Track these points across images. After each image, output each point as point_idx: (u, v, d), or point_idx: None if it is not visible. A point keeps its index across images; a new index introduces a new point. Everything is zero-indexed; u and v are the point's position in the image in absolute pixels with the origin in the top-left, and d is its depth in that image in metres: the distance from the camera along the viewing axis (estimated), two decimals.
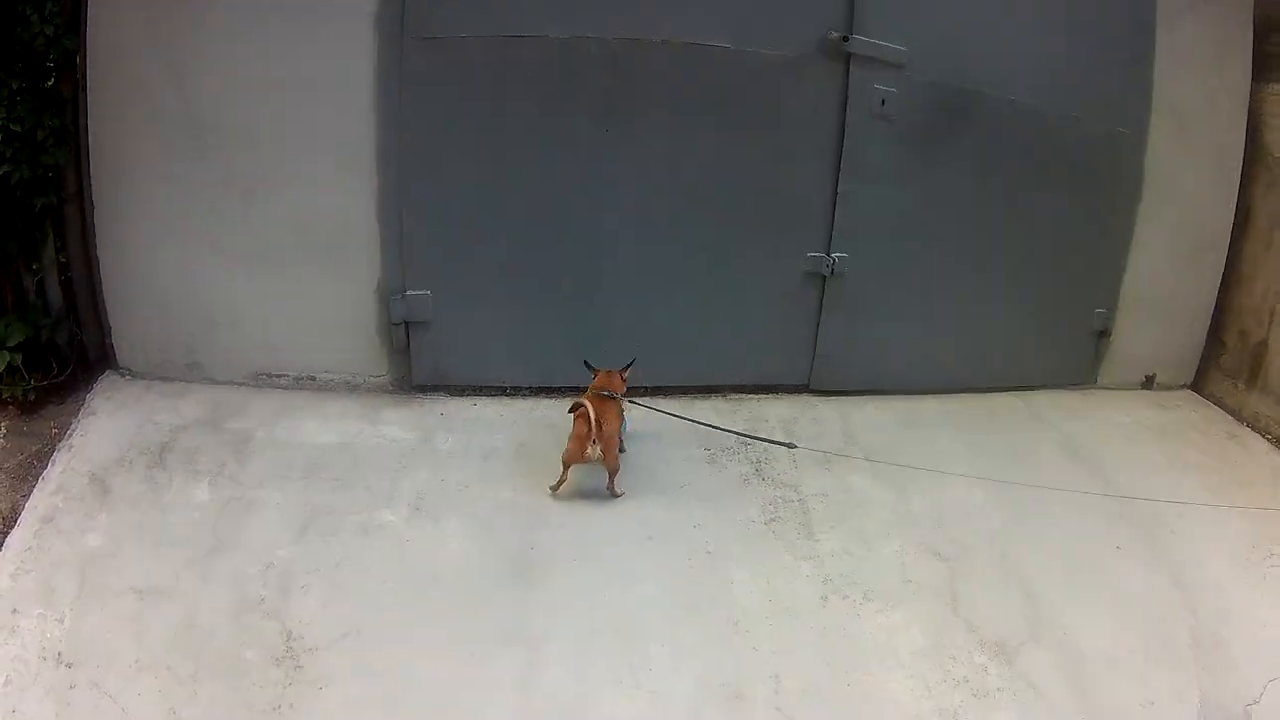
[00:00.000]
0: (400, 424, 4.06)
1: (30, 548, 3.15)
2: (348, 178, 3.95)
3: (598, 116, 4.05)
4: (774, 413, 4.45)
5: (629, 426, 3.94)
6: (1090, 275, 4.84)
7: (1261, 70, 4.71)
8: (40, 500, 3.35)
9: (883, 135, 4.27)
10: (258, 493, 3.51)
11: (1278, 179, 4.72)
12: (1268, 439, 4.65)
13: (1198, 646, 3.27)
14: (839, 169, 4.28)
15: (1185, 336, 5.07)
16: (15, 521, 3.25)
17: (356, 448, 3.86)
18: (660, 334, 4.35)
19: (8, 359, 3.74)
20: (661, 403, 4.20)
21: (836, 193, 4.32)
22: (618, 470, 3.71)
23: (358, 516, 3.47)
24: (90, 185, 3.87)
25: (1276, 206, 4.73)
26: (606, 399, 3.73)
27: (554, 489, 3.70)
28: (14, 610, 2.92)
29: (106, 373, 4.10)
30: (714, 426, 4.10)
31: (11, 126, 3.59)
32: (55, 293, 3.98)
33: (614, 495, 3.73)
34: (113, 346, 4.08)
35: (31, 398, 3.79)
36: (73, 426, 3.75)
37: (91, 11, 3.68)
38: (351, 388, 4.23)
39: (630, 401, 3.94)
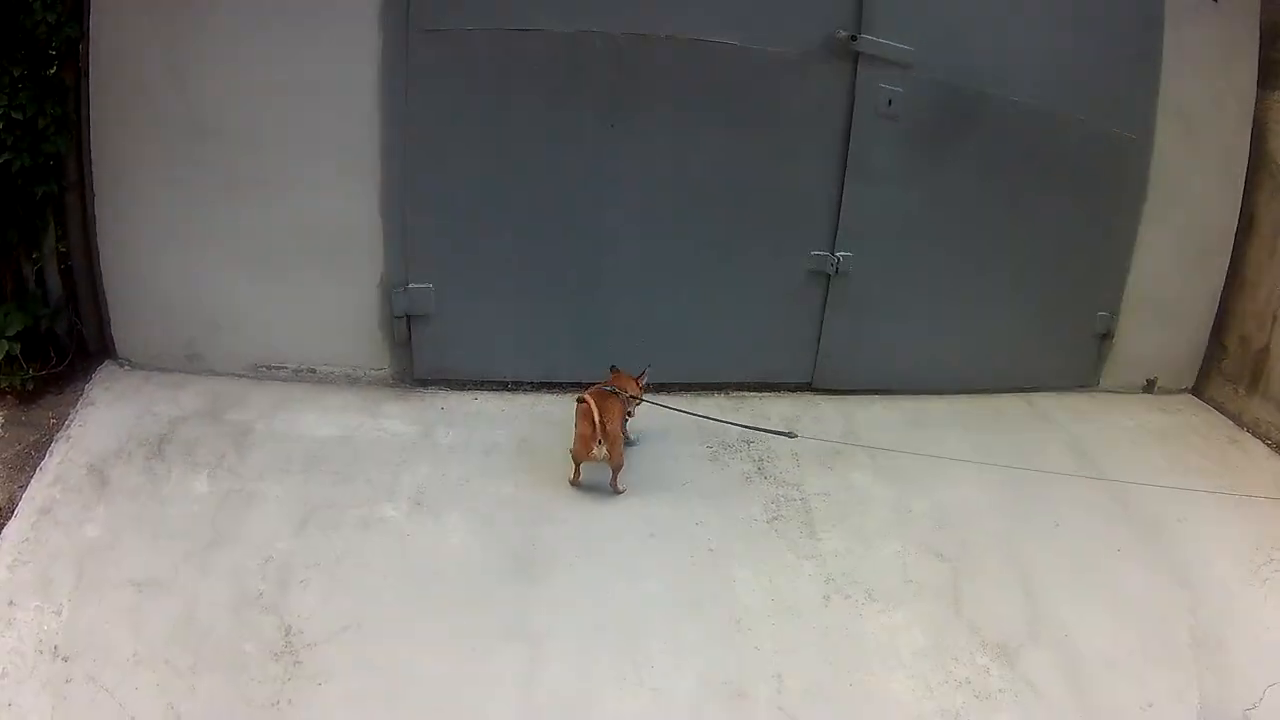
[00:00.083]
0: (401, 418, 4.03)
1: (28, 539, 3.11)
2: (351, 171, 3.92)
3: (603, 111, 4.02)
4: (776, 411, 4.43)
5: (634, 439, 3.96)
6: (1094, 277, 4.84)
7: (1267, 76, 4.72)
8: (38, 491, 3.32)
9: (889, 135, 4.26)
10: (257, 485, 3.48)
11: None
12: (1268, 444, 4.66)
13: (1198, 649, 3.28)
14: (844, 168, 4.27)
15: (1187, 340, 5.07)
16: (12, 512, 3.22)
17: (357, 441, 3.83)
18: (664, 330, 4.34)
19: (6, 348, 3.72)
20: (664, 399, 4.18)
21: (841, 192, 4.31)
22: (621, 467, 3.70)
23: (358, 510, 3.44)
24: (91, 174, 3.84)
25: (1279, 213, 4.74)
26: (609, 395, 3.72)
27: (574, 480, 3.72)
28: (10, 602, 2.89)
29: (105, 363, 4.06)
30: (717, 419, 4.08)
31: (13, 114, 3.55)
32: (55, 282, 3.96)
33: (616, 492, 3.72)
34: (112, 337, 4.05)
35: (30, 387, 3.76)
36: (71, 417, 3.72)
37: (95, 6, 3.65)
38: (352, 381, 4.20)
39: (639, 399, 3.93)
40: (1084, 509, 3.96)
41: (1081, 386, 5.03)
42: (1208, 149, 4.74)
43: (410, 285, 4.07)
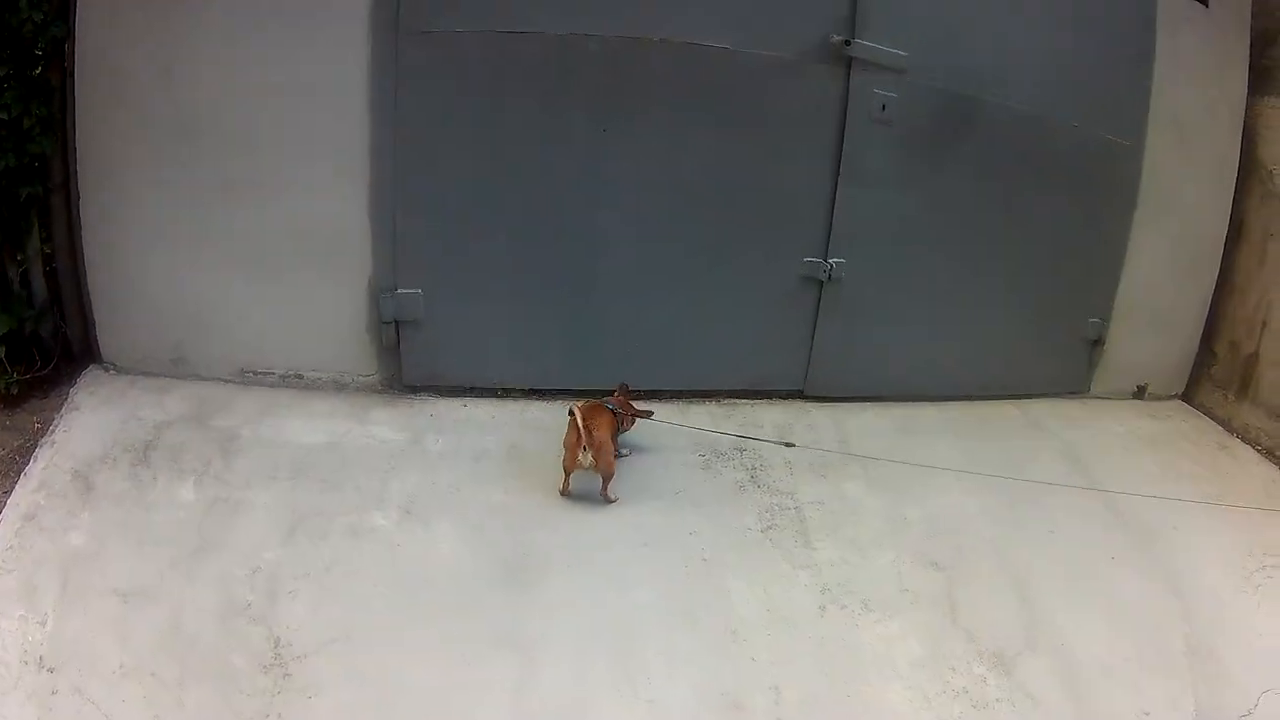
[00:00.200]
0: (389, 424, 3.98)
1: (12, 546, 3.05)
2: (339, 174, 3.87)
3: (595, 115, 3.99)
4: (769, 418, 4.41)
5: (625, 451, 3.92)
6: (1086, 284, 4.86)
7: (1258, 83, 4.76)
8: (22, 497, 3.25)
9: (882, 140, 4.25)
10: (244, 493, 3.42)
11: (1272, 192, 4.75)
12: (1258, 450, 4.69)
13: (1193, 656, 3.27)
14: (838, 173, 4.25)
15: (1177, 347, 5.11)
16: None
17: (345, 448, 3.77)
18: (655, 337, 4.31)
19: None
20: (656, 407, 4.14)
21: (835, 197, 4.29)
22: (611, 476, 3.66)
23: (347, 518, 3.38)
24: (76, 176, 3.78)
25: (1270, 219, 4.77)
26: (598, 407, 3.70)
27: (564, 490, 3.68)
28: None
29: (90, 367, 3.99)
30: (716, 431, 4.08)
31: None
32: (40, 285, 3.89)
33: (607, 501, 3.67)
34: (97, 340, 3.98)
35: (14, 391, 3.70)
36: (56, 422, 3.65)
37: (81, 7, 3.60)
38: (340, 386, 4.14)
39: (634, 420, 3.93)
40: (1077, 516, 3.96)
41: (1073, 393, 5.05)
42: (1199, 155, 4.78)
43: (399, 290, 4.02)
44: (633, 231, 4.18)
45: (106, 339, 3.98)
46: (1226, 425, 4.91)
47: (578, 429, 3.53)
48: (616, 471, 3.68)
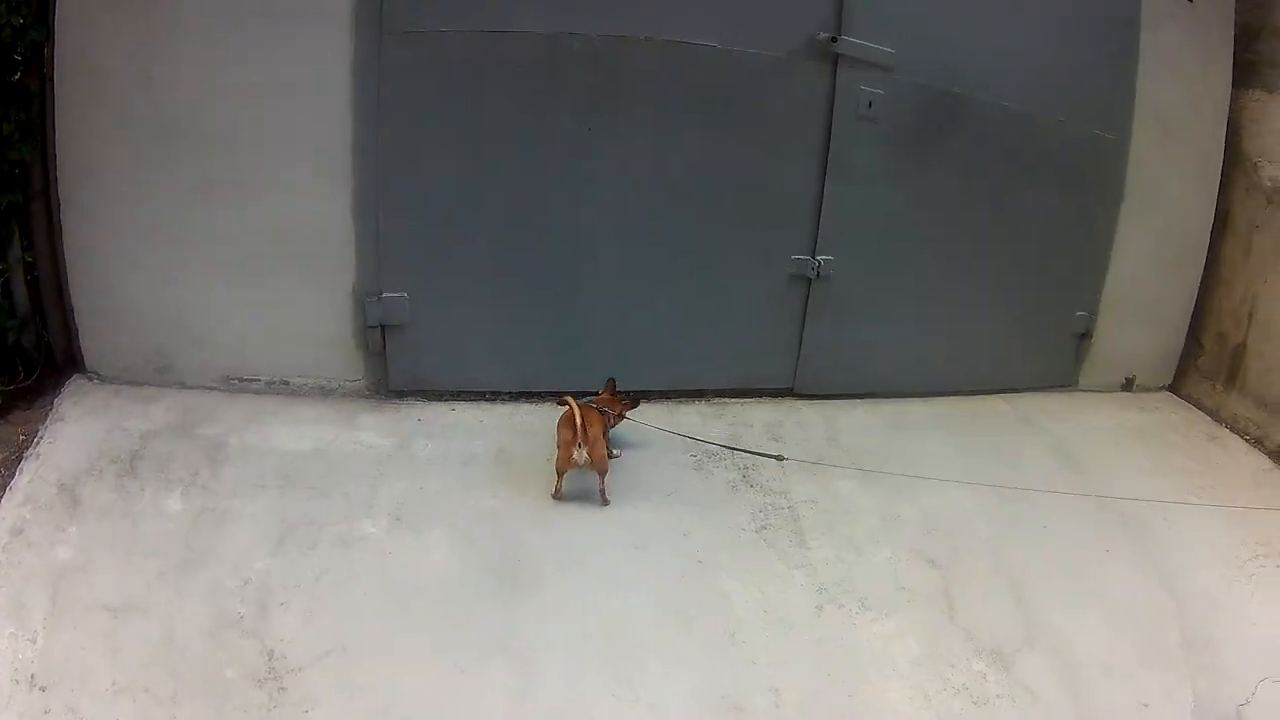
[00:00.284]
0: (376, 430, 3.93)
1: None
2: (322, 178, 3.82)
3: (580, 114, 3.95)
4: (758, 417, 4.40)
5: (617, 452, 3.88)
6: (1073, 278, 4.87)
7: (1241, 77, 4.78)
8: (9, 511, 3.19)
9: (869, 137, 4.23)
10: (232, 503, 3.36)
11: (1256, 184, 4.77)
12: (1246, 440, 4.71)
13: (1189, 648, 3.28)
14: (825, 171, 4.23)
15: (1164, 339, 5.12)
16: None
17: (332, 455, 3.72)
18: (644, 337, 4.28)
19: None
20: (645, 409, 4.13)
21: (822, 195, 4.27)
22: (606, 472, 3.64)
23: (336, 527, 3.33)
24: (57, 182, 3.71)
25: (1255, 211, 4.79)
26: (587, 406, 3.67)
27: (556, 493, 3.65)
28: None
29: (74, 376, 3.92)
30: (706, 441, 4.05)
31: None
32: (21, 294, 3.79)
33: (604, 502, 3.65)
34: (80, 349, 3.91)
35: None
36: (41, 433, 3.58)
37: (60, 8, 3.53)
38: (325, 392, 4.09)
39: (623, 417, 3.91)
40: (1070, 511, 3.95)
41: (1061, 386, 5.05)
42: (1184, 149, 4.79)
43: (384, 294, 3.97)
44: (619, 231, 4.15)
45: (90, 347, 3.91)
46: (1214, 415, 4.94)
47: (574, 424, 3.51)
48: (609, 470, 3.65)
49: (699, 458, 4.02)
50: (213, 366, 3.99)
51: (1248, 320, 4.80)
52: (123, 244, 3.79)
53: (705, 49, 3.95)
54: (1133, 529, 3.88)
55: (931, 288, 4.61)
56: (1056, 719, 2.97)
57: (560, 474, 3.61)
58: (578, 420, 3.51)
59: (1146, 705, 3.04)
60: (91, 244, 3.79)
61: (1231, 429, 4.80)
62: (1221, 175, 4.89)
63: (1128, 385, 5.15)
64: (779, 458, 4.00)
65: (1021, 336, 4.88)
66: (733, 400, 4.51)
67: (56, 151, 3.68)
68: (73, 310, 3.87)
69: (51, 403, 3.77)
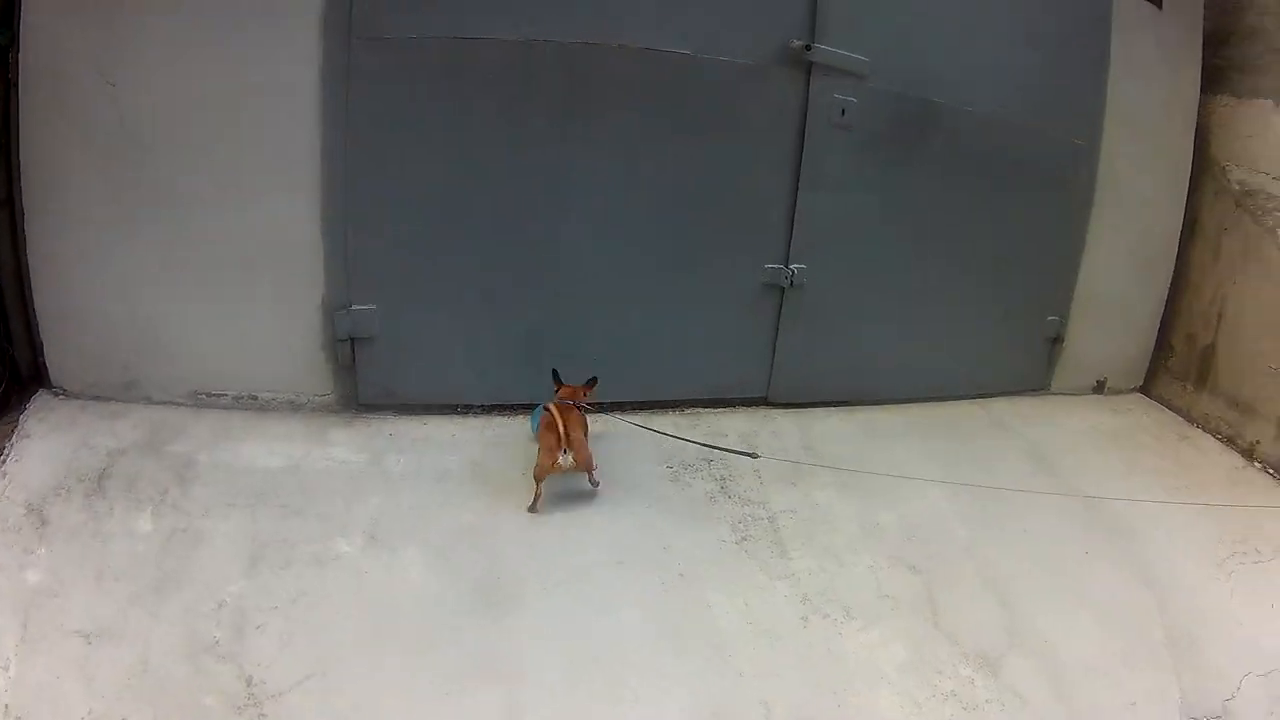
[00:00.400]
0: (348, 445, 3.83)
1: None
2: (290, 187, 3.72)
3: (554, 123, 3.89)
4: (733, 426, 4.36)
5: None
6: (1045, 282, 4.92)
7: (1210, 82, 4.86)
8: None
9: (842, 145, 4.22)
10: (203, 522, 3.25)
11: (1225, 188, 4.85)
12: (1218, 439, 4.80)
13: (1173, 646, 3.30)
14: (798, 179, 4.22)
15: (1135, 341, 5.19)
16: None
17: (304, 471, 3.62)
18: (617, 348, 4.21)
19: None
20: (619, 420, 4.09)
21: (795, 203, 4.26)
22: (593, 465, 3.65)
23: (310, 547, 3.23)
24: (21, 192, 3.58)
25: (1224, 215, 4.87)
26: (567, 406, 3.66)
27: (533, 507, 3.58)
28: None
29: (40, 392, 3.78)
30: (681, 438, 4.00)
31: None
32: None
33: (593, 485, 3.71)
34: (45, 364, 3.77)
35: None
36: (7, 451, 3.44)
37: (26, 13, 3.42)
38: (295, 407, 3.98)
39: (619, 419, 3.94)
40: (1048, 514, 3.98)
41: (1033, 390, 5.10)
42: (1154, 154, 4.86)
43: (354, 306, 3.87)
44: (592, 241, 4.09)
45: (55, 362, 3.78)
46: (1186, 416, 5.03)
47: (556, 431, 3.48)
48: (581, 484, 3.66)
49: (675, 469, 3.98)
50: (180, 381, 3.87)
51: (1217, 321, 4.88)
52: (89, 255, 3.67)
53: (679, 56, 3.91)
54: (1111, 530, 3.91)
55: (905, 295, 4.62)
56: None
57: (539, 480, 3.55)
58: (561, 428, 3.49)
59: (1134, 704, 3.05)
60: (57, 255, 3.66)
61: (1203, 429, 4.89)
62: (1190, 179, 4.97)
63: (1099, 388, 5.20)
64: (753, 454, 3.97)
65: (994, 341, 4.90)
66: (707, 410, 4.48)
67: (20, 160, 3.55)
68: (38, 324, 3.73)
69: (17, 419, 3.63)
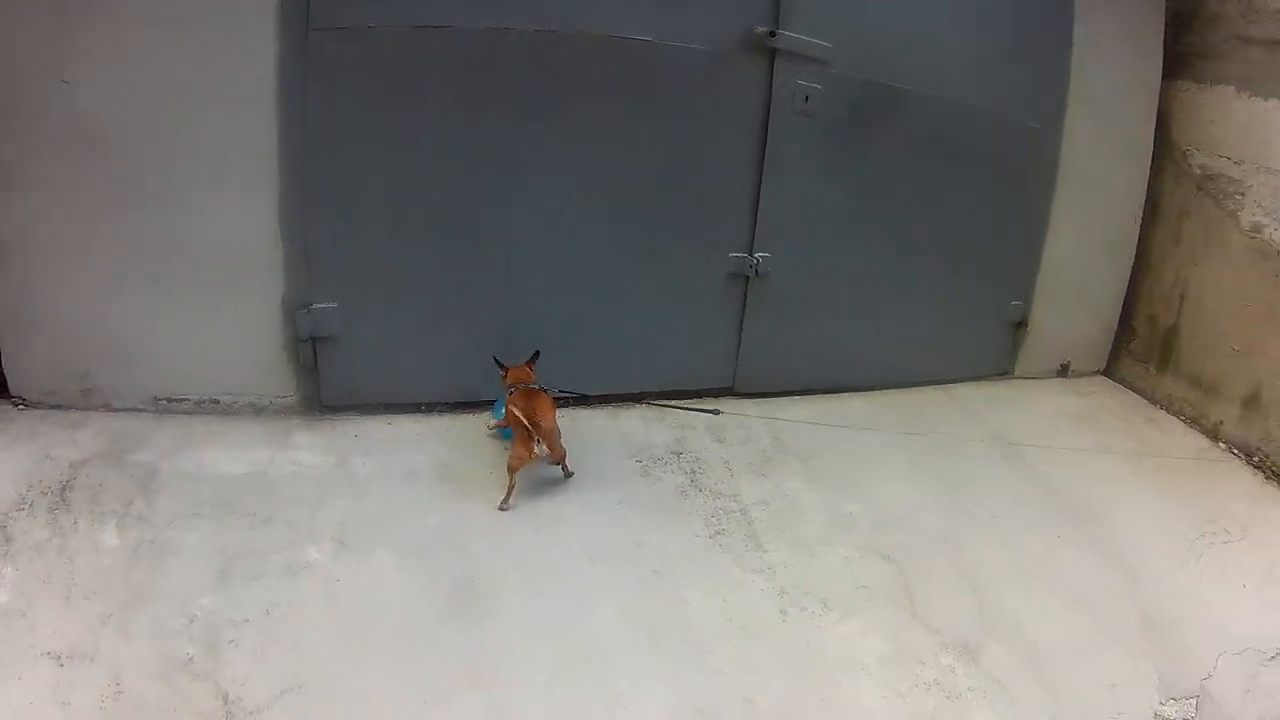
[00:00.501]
0: (312, 448, 3.75)
1: None
2: (248, 183, 3.62)
3: (516, 112, 3.82)
4: (700, 418, 4.33)
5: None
6: (1008, 267, 4.94)
7: (1172, 68, 4.89)
8: None
9: (806, 132, 4.20)
10: (170, 533, 3.15)
11: (1186, 172, 4.90)
12: (1182, 420, 4.88)
13: (1148, 628, 3.34)
14: (762, 167, 4.19)
15: (1098, 324, 5.25)
16: None
17: (269, 477, 3.54)
18: (583, 341, 4.19)
19: None
20: (585, 414, 4.09)
21: (760, 192, 4.23)
22: (565, 455, 3.66)
23: (280, 555, 3.15)
24: None
25: (1185, 198, 4.92)
26: (533, 392, 3.63)
27: (504, 504, 3.53)
28: None
29: None
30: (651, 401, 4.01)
31: None
32: None
33: (567, 475, 3.74)
34: (2, 371, 3.65)
35: None
36: None
37: None
38: (257, 410, 3.89)
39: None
40: (1017, 499, 4.01)
41: (998, 375, 5.13)
42: (1116, 139, 4.89)
43: (314, 305, 3.79)
44: (556, 233, 4.03)
45: (12, 370, 3.66)
46: (1150, 397, 5.09)
47: (524, 425, 3.46)
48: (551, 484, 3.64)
49: (645, 463, 3.95)
50: (141, 387, 3.77)
51: (1179, 304, 4.94)
52: (44, 258, 3.55)
53: (641, 44, 3.86)
54: (1080, 514, 3.94)
55: (869, 282, 4.62)
56: (1029, 707, 2.95)
57: (513, 472, 3.51)
58: (526, 424, 3.46)
59: (1114, 686, 3.07)
60: (12, 260, 3.54)
61: (1167, 410, 4.96)
62: (1152, 164, 5.01)
63: (1063, 371, 5.26)
64: (715, 411, 4.11)
65: (959, 327, 4.93)
66: (673, 402, 4.44)
67: None
68: None
69: None
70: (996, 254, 4.86)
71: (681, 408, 4.06)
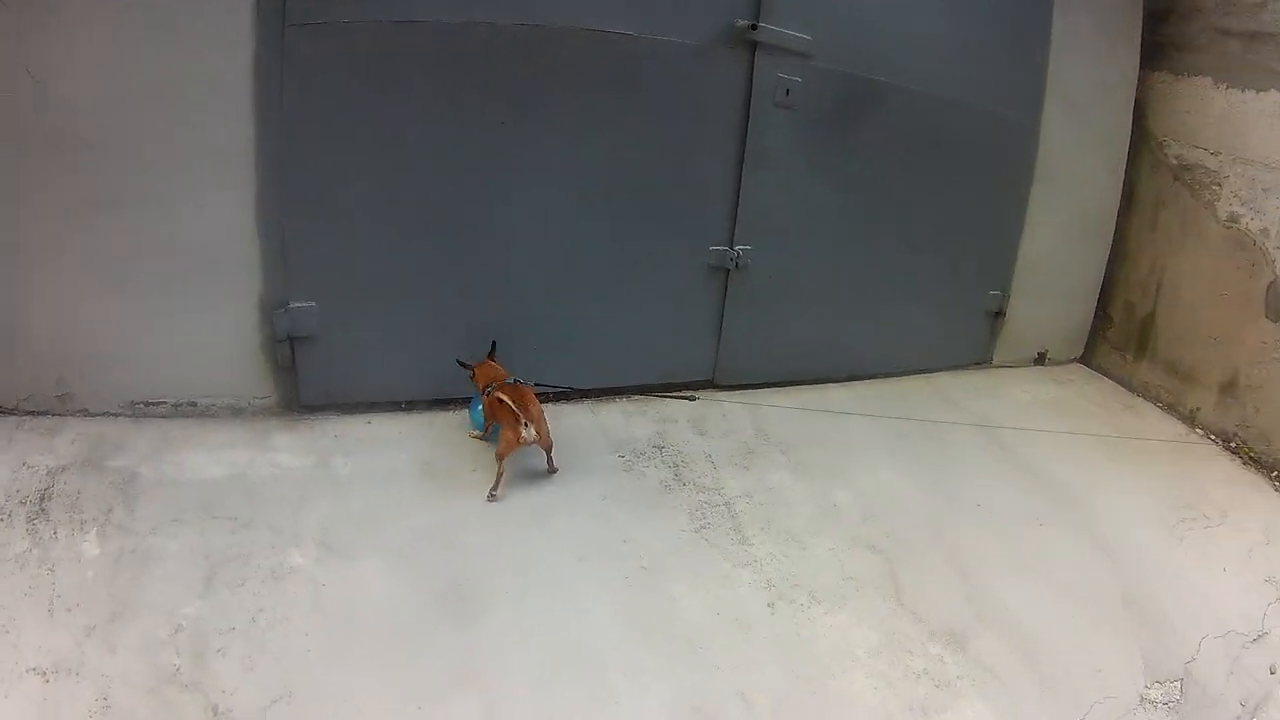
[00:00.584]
0: (292, 450, 3.69)
1: None
2: (224, 182, 3.55)
3: (495, 107, 3.77)
4: (682, 412, 4.33)
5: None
6: (986, 258, 4.99)
7: (1149, 59, 4.95)
8: None
9: (786, 125, 4.20)
10: (152, 541, 3.08)
11: (1162, 162, 4.97)
12: (1159, 406, 4.95)
13: (1132, 611, 3.39)
14: (743, 160, 4.18)
15: (1074, 313, 5.32)
16: None
17: (250, 480, 3.47)
18: (563, 335, 4.18)
19: None
20: (567, 409, 4.07)
21: (740, 184, 4.22)
22: (552, 446, 3.65)
23: (264, 560, 3.09)
24: None
25: (1161, 188, 4.99)
26: (515, 385, 3.64)
27: (494, 493, 3.54)
28: None
29: None
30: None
31: None
32: None
33: (552, 470, 3.73)
34: None
35: None
36: None
37: None
38: (236, 412, 3.83)
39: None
40: (1000, 487, 4.05)
41: (977, 363, 5.17)
42: (1093, 129, 4.95)
43: (292, 304, 3.73)
44: (537, 227, 4.00)
45: None
46: (1127, 385, 5.18)
47: (512, 411, 3.47)
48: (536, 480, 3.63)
49: (627, 458, 3.94)
50: (117, 391, 3.69)
51: (1156, 292, 5.01)
52: (16, 262, 3.46)
53: (622, 37, 3.83)
54: (1062, 501, 3.99)
55: (849, 273, 4.64)
56: (1017, 693, 2.99)
57: (502, 459, 3.53)
58: (514, 408, 3.49)
59: (1100, 670, 3.11)
60: None
61: (1144, 397, 5.04)
62: (1129, 153, 5.06)
63: (1040, 359, 5.31)
64: (691, 398, 4.18)
65: (938, 317, 4.97)
66: (654, 395, 4.44)
67: None
68: None
69: None
70: (975, 244, 4.90)
71: (663, 395, 4.07)
